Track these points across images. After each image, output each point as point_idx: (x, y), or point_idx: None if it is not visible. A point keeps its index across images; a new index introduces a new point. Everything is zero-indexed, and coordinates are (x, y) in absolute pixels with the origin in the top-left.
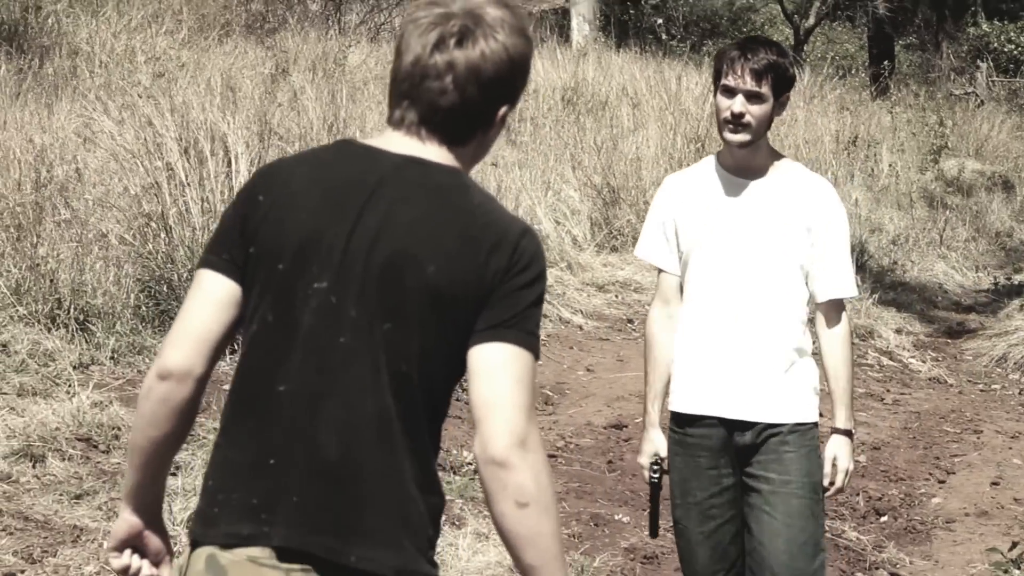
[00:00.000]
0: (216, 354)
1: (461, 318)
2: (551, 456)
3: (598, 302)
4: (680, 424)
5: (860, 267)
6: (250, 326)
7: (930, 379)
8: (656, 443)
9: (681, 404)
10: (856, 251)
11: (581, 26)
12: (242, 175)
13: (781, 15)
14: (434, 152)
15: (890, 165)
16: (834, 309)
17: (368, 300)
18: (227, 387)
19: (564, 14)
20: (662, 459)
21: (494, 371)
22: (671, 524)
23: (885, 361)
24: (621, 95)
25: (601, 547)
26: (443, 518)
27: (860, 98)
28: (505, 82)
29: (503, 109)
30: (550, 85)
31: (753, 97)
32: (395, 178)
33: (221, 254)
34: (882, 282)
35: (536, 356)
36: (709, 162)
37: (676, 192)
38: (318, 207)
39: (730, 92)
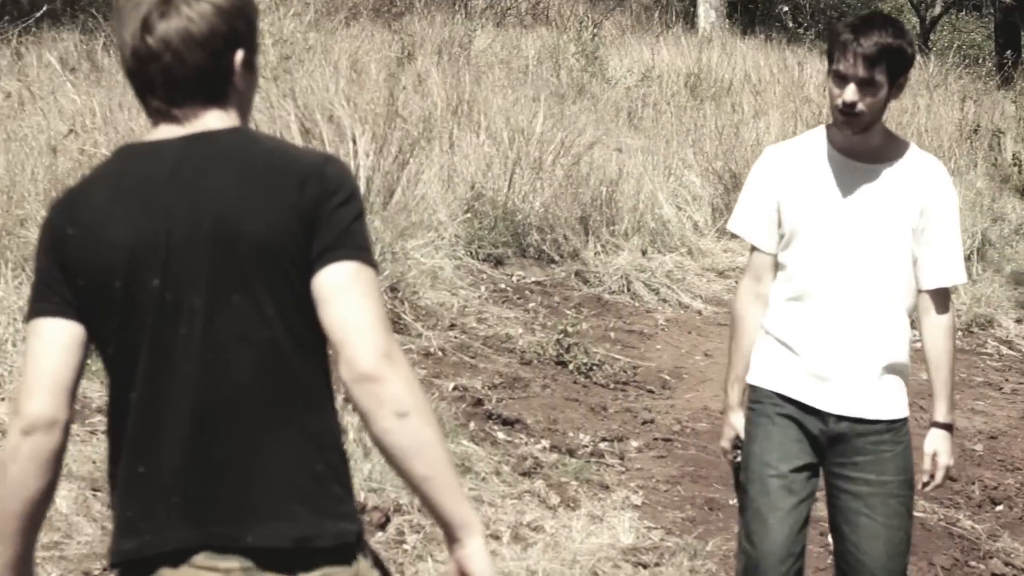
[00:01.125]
0: (72, 399)
1: (300, 261)
2: (667, 440)
3: (717, 288)
4: (770, 396)
5: (981, 256)
6: (107, 350)
7: None
8: (737, 426)
9: (783, 387)
10: (977, 240)
11: (708, 13)
12: (360, 158)
13: (907, 4)
14: (210, 120)
15: (1013, 154)
16: (941, 297)
17: (208, 283)
18: None
19: (691, 1)
20: (741, 442)
21: (340, 291)
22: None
23: (1004, 350)
24: (744, 82)
25: (715, 531)
26: (535, 501)
27: (985, 87)
28: (225, 33)
29: (239, 55)
30: (674, 71)
31: (866, 84)
32: (186, 158)
33: (51, 299)
34: (1002, 271)
35: (376, 269)
36: (818, 137)
37: (781, 168)
38: (127, 215)
39: (842, 79)
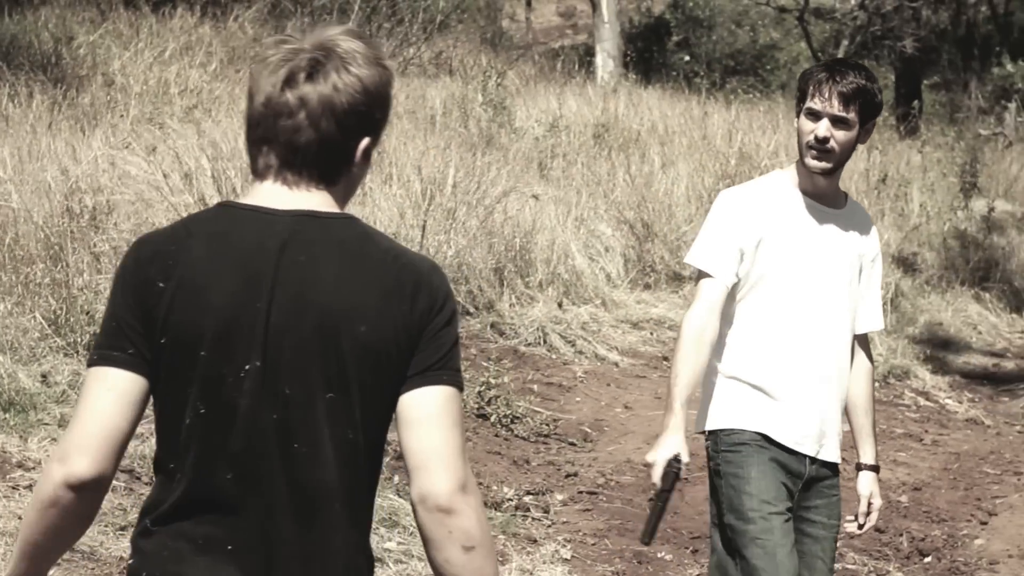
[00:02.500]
0: (122, 454)
1: (398, 371)
2: (592, 493)
3: (633, 339)
4: (755, 439)
5: (895, 307)
6: (176, 418)
7: (967, 420)
8: (680, 446)
9: (769, 429)
10: (891, 291)
11: (606, 62)
12: None
13: (805, 53)
14: (318, 200)
15: (920, 205)
16: (866, 342)
17: (303, 373)
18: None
19: (588, 50)
20: (680, 464)
21: (432, 417)
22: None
23: (922, 401)
24: (651, 132)
25: None
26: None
27: (888, 137)
28: (362, 114)
29: (364, 142)
30: (581, 121)
31: (839, 122)
32: (296, 239)
33: (126, 349)
34: (916, 323)
35: (462, 391)
36: (780, 181)
37: (749, 210)
38: (229, 285)
39: (815, 115)
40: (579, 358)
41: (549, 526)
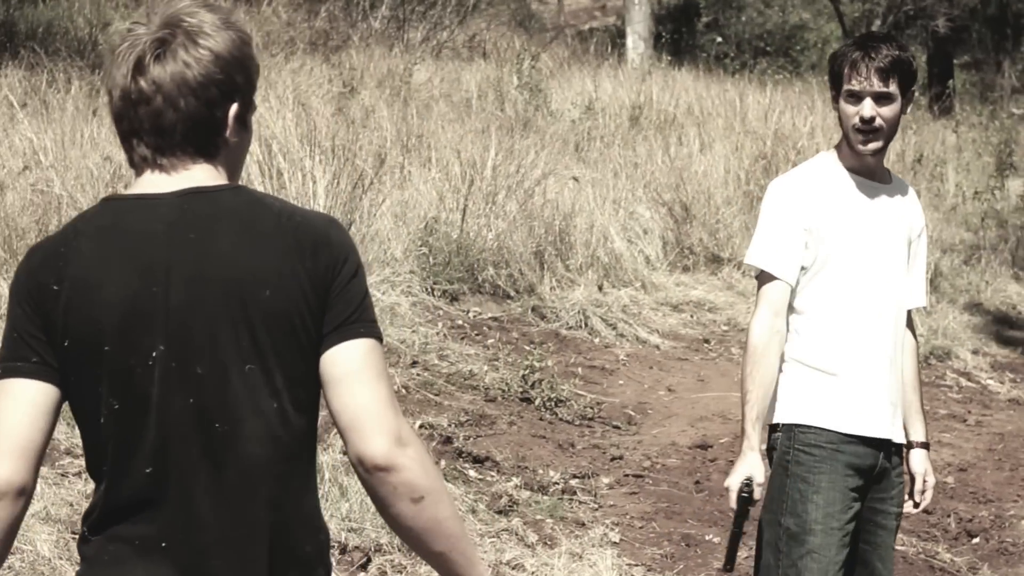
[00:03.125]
0: (39, 464)
1: (312, 332)
2: (638, 476)
3: (673, 322)
4: (832, 441)
5: (934, 287)
6: (93, 418)
7: (1010, 400)
8: (754, 468)
9: (840, 423)
10: (930, 271)
11: (636, 44)
12: (319, 197)
13: (835, 33)
14: (201, 175)
15: (956, 185)
16: (910, 319)
17: (213, 350)
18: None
19: (618, 32)
20: (755, 485)
21: (354, 373)
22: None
23: (963, 382)
24: (687, 114)
25: (694, 567)
26: (514, 539)
27: (921, 117)
28: (220, 82)
29: (233, 108)
30: (617, 103)
31: (882, 98)
32: (184, 217)
33: (29, 358)
34: (956, 303)
35: (382, 341)
36: (826, 163)
37: (802, 198)
38: (122, 276)
39: (856, 96)
40: (620, 341)
41: (596, 509)
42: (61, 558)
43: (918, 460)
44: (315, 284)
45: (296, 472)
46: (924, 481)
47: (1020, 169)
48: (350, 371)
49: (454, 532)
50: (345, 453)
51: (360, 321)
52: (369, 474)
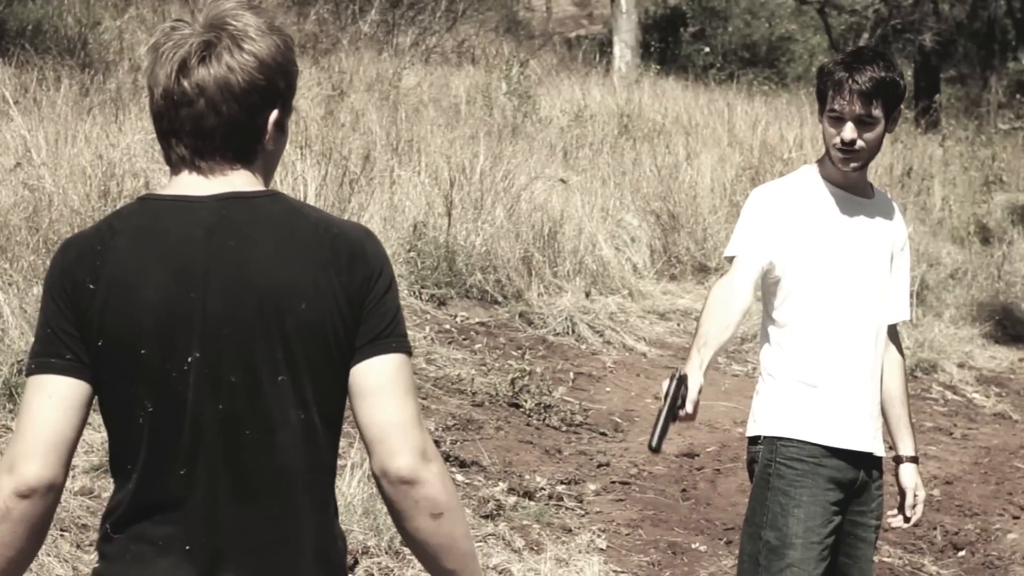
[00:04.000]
0: (70, 460)
1: (345, 343)
2: (624, 483)
3: (660, 330)
4: (813, 455)
5: (920, 300)
6: (125, 418)
7: (995, 414)
8: (693, 385)
9: (822, 435)
10: (916, 284)
11: (624, 52)
12: (310, 200)
13: (822, 45)
14: (239, 180)
15: (943, 198)
16: (895, 333)
17: (247, 358)
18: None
19: (605, 41)
20: (686, 375)
21: (384, 387)
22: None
23: (949, 395)
24: (675, 123)
25: (680, 575)
26: (501, 544)
27: (908, 130)
28: (263, 89)
29: (273, 115)
30: (606, 111)
31: (864, 122)
32: (222, 223)
33: (63, 355)
34: (942, 316)
35: (411, 356)
36: (808, 176)
37: (787, 203)
38: (160, 280)
39: (838, 118)
40: (607, 348)
41: (583, 516)
42: (48, 554)
43: (908, 474)
44: (350, 297)
45: (321, 482)
46: (915, 495)
47: (1007, 184)
48: (380, 385)
49: (467, 551)
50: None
51: (393, 335)
52: (393, 487)
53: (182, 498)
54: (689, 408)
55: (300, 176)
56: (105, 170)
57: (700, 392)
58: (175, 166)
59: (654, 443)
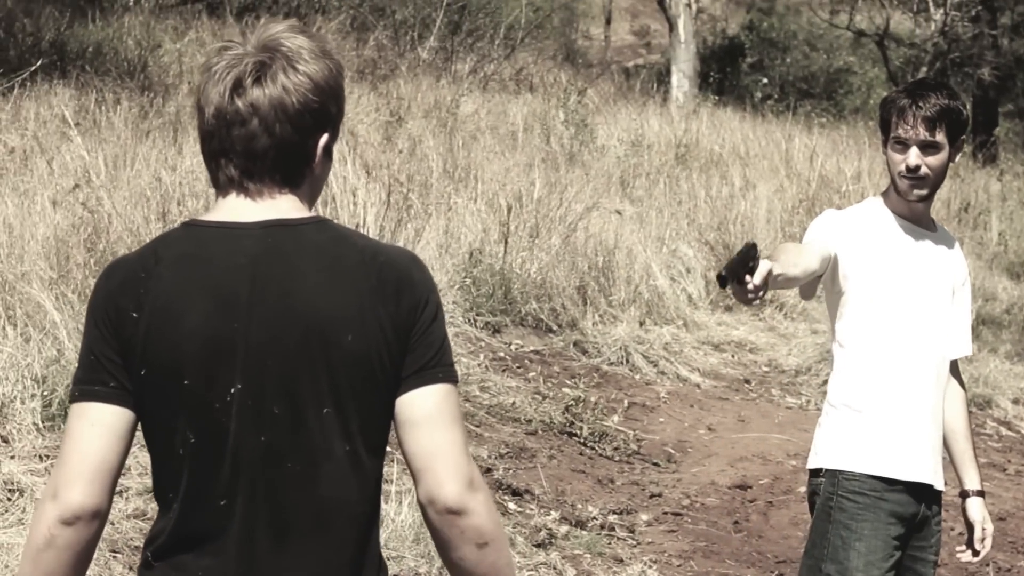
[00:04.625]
0: (114, 488)
1: (392, 375)
2: (677, 515)
3: (714, 361)
4: (875, 488)
5: (976, 336)
6: (167, 446)
7: None
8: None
9: (884, 468)
10: (972, 318)
11: (681, 82)
12: (369, 226)
13: (880, 78)
14: (285, 206)
15: (1000, 233)
16: (956, 367)
17: (291, 390)
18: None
19: (663, 70)
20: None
21: (431, 417)
22: None
23: (1004, 431)
24: (732, 153)
25: None
26: (552, 573)
27: (965, 164)
28: (316, 111)
29: (323, 139)
30: (663, 140)
31: (928, 147)
32: (268, 252)
33: (107, 382)
34: (997, 352)
35: (457, 384)
36: (875, 207)
37: (855, 224)
38: (203, 309)
39: (903, 144)
40: (661, 378)
41: (634, 546)
42: None
43: (975, 508)
44: (397, 327)
45: (365, 512)
46: (983, 529)
47: None
48: (428, 416)
49: None
50: (387, 480)
51: (440, 365)
52: (440, 516)
53: (222, 530)
54: (757, 280)
55: (361, 201)
56: (164, 192)
57: (768, 275)
58: (222, 188)
59: (723, 275)
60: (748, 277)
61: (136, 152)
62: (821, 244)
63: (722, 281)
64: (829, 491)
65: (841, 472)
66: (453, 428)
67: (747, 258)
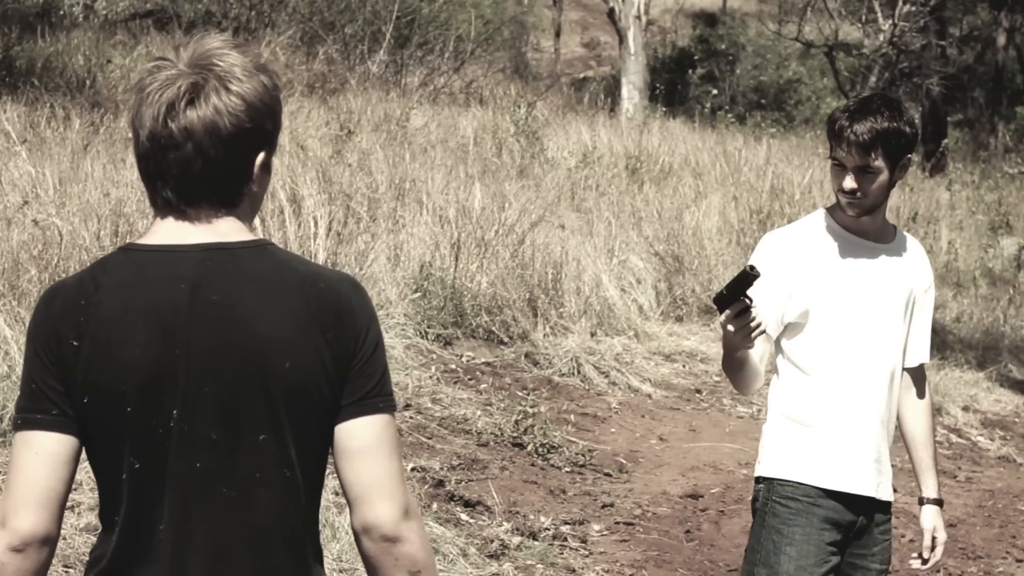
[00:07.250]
0: (62, 514)
1: (331, 404)
2: (628, 524)
3: (665, 371)
4: (808, 494)
5: None
6: (112, 472)
7: (999, 457)
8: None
9: (818, 477)
10: None
11: (631, 94)
12: (320, 239)
13: (830, 87)
14: (225, 228)
15: (949, 242)
16: (921, 374)
17: (230, 416)
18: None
19: (613, 82)
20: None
21: (371, 448)
22: None
23: (954, 439)
24: (683, 165)
25: None
26: None
27: (916, 175)
28: (250, 131)
29: (260, 157)
30: (613, 152)
31: (864, 171)
32: (207, 277)
33: (49, 410)
34: (947, 360)
35: (395, 413)
36: (820, 219)
37: (789, 253)
38: (144, 337)
39: (841, 166)
40: (613, 389)
41: (587, 556)
42: None
43: (929, 516)
44: (336, 355)
45: (302, 539)
46: (933, 537)
47: (1014, 228)
48: (367, 446)
49: None
50: (337, 493)
51: (380, 395)
52: (375, 543)
53: (159, 554)
54: (760, 320)
55: (310, 215)
56: (114, 207)
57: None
58: (160, 209)
59: (719, 300)
60: (752, 322)
61: (84, 168)
62: (763, 339)
63: (718, 301)
64: (765, 497)
65: (776, 480)
66: (391, 459)
67: (743, 283)
